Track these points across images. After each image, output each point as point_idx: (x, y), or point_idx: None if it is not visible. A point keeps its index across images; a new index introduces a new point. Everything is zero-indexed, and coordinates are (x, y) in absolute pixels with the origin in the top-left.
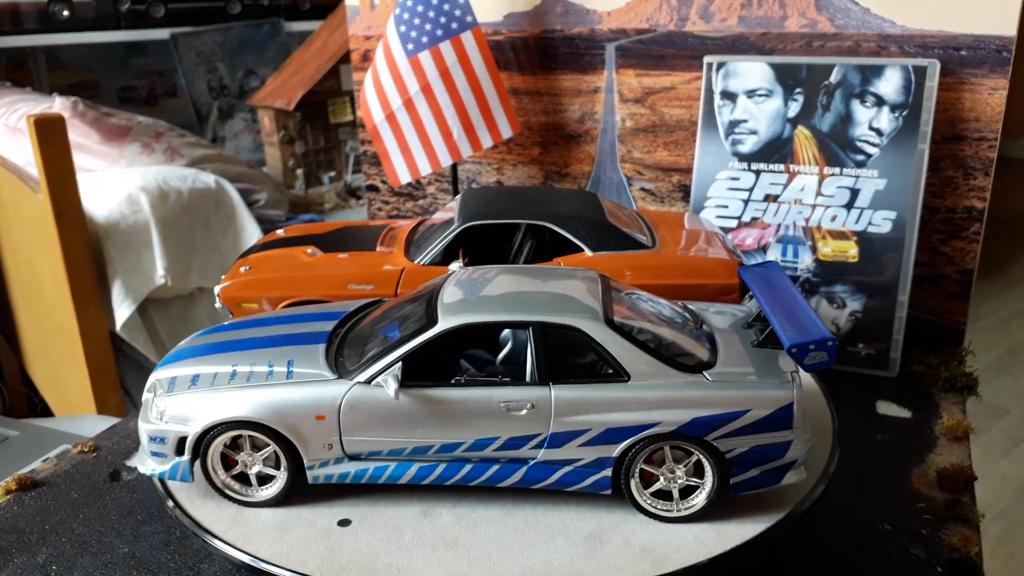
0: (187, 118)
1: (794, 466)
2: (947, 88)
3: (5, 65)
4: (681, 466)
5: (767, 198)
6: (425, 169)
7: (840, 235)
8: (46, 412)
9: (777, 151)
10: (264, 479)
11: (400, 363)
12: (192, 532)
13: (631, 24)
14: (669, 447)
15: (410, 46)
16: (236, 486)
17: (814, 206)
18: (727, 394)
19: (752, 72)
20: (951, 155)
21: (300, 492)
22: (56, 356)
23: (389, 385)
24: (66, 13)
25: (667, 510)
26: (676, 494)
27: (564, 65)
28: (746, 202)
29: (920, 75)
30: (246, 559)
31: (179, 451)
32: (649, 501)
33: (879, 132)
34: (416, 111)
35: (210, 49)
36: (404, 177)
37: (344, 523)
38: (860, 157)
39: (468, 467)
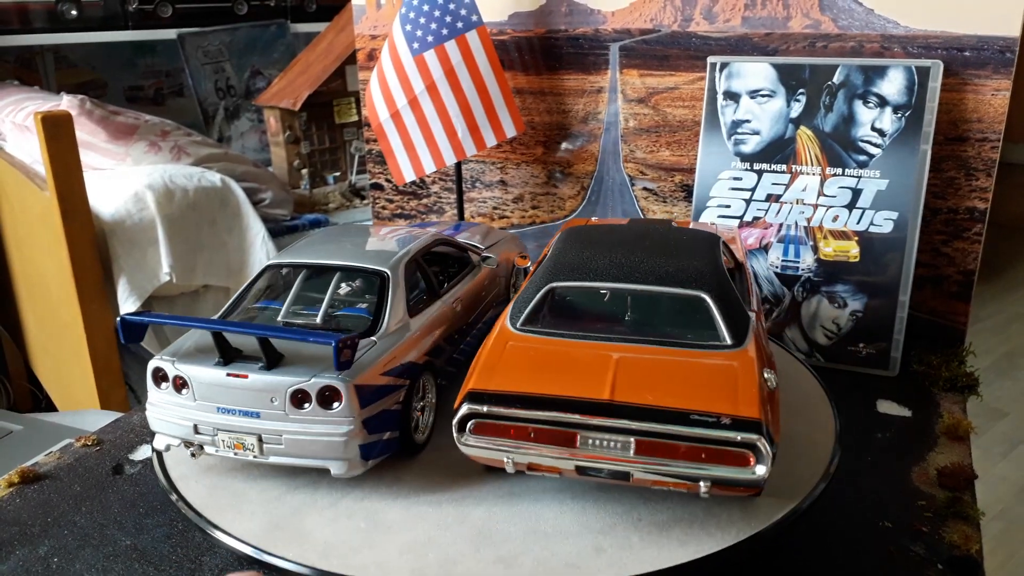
0: (194, 118)
1: None
2: (950, 89)
3: (13, 64)
4: None
5: (769, 198)
6: (429, 167)
7: (842, 235)
8: (51, 408)
9: (780, 151)
10: None
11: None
12: (194, 525)
13: (635, 24)
14: None
15: (415, 45)
16: None
17: (816, 206)
18: None
19: (755, 72)
20: (953, 156)
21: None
22: (61, 352)
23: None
24: (74, 13)
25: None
26: None
27: (568, 65)
28: (748, 202)
29: (923, 76)
30: (249, 551)
31: None
32: None
33: (881, 133)
34: (421, 110)
35: (217, 49)
36: (408, 175)
37: (349, 517)
38: (862, 157)
39: None
